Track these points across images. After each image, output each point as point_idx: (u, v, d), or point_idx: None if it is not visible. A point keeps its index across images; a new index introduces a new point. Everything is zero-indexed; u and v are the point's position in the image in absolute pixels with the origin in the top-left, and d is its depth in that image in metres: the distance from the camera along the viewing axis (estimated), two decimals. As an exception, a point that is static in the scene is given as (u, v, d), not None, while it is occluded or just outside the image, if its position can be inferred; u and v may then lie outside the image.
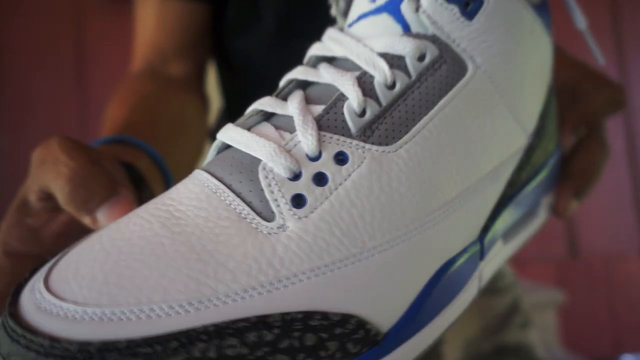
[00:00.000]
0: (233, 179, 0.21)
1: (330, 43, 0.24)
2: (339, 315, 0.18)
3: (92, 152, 0.26)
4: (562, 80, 0.31)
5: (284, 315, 0.18)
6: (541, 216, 0.31)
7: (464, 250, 0.23)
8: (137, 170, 0.29)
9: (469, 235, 0.23)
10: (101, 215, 0.24)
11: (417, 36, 0.23)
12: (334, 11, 0.27)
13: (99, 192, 0.24)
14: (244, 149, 0.21)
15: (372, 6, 0.24)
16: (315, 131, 0.21)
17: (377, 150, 0.22)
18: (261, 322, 0.17)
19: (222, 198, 0.20)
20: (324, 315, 0.18)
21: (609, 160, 0.34)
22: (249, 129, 0.22)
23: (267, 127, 0.22)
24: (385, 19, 0.24)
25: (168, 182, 0.33)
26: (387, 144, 0.22)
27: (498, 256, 0.26)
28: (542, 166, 0.28)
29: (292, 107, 0.22)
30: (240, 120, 0.23)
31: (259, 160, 0.21)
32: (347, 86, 0.22)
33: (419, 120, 0.23)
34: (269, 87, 0.31)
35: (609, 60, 1.65)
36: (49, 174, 0.24)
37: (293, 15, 0.48)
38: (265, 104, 0.23)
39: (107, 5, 1.47)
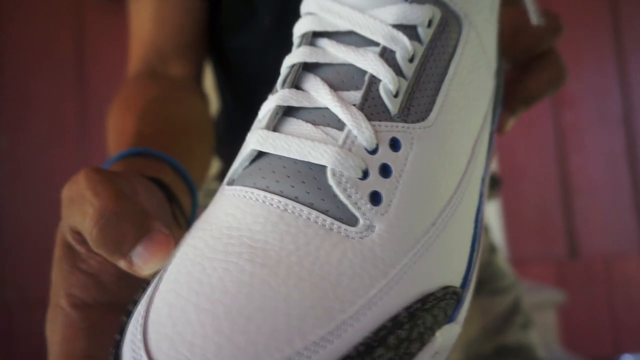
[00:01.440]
0: (297, 191, 0.19)
1: (326, 15, 0.23)
2: (441, 290, 0.19)
3: (120, 183, 0.23)
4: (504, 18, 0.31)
5: (407, 309, 0.18)
6: None
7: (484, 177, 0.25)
8: (166, 186, 0.28)
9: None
10: (137, 257, 0.21)
11: (423, 1, 0.22)
12: None
13: (131, 231, 0.21)
14: (298, 157, 0.20)
15: None
16: (368, 123, 0.20)
17: (419, 129, 0.22)
18: (395, 323, 0.18)
19: (297, 214, 0.19)
20: (433, 295, 0.19)
21: (564, 79, 0.34)
22: (274, 129, 0.21)
23: (300, 125, 0.21)
24: None
25: (193, 194, 0.32)
26: (423, 119, 0.22)
27: None
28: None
29: (324, 98, 0.21)
30: (263, 121, 0.21)
31: (321, 167, 0.20)
32: (377, 66, 0.21)
33: (440, 88, 0.23)
34: (266, 84, 0.30)
35: (608, 60, 1.65)
36: (77, 215, 0.22)
37: (289, 9, 0.47)
38: (287, 98, 0.21)
39: (107, 5, 1.47)
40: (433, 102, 0.22)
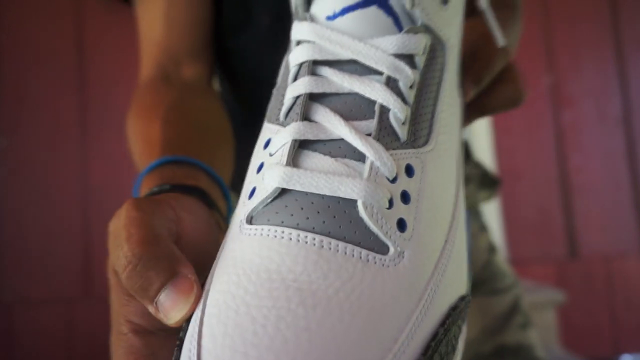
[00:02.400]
0: (329, 226, 0.20)
1: (326, 43, 0.23)
2: (460, 300, 0.21)
3: (157, 220, 0.23)
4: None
5: (442, 325, 0.20)
6: None
7: None
8: (205, 193, 0.28)
9: None
10: (161, 304, 0.21)
11: (416, 30, 0.23)
12: (294, 2, 0.25)
13: (156, 278, 0.21)
14: (328, 193, 0.20)
15: None
16: (387, 153, 0.21)
17: (425, 153, 0.23)
18: (436, 342, 0.19)
19: (334, 249, 0.19)
20: (456, 307, 0.21)
21: (521, 99, 0.35)
22: (294, 164, 0.21)
23: (319, 158, 0.21)
24: (375, 12, 0.23)
25: (227, 199, 0.32)
26: (426, 143, 0.23)
27: None
28: None
29: (339, 129, 0.21)
30: (280, 157, 0.21)
31: (350, 201, 0.20)
32: (386, 95, 0.22)
33: (435, 111, 0.24)
34: (263, 87, 0.30)
35: (608, 60, 1.65)
36: (114, 255, 0.23)
37: (286, 13, 0.47)
38: (302, 132, 0.21)
39: (107, 5, 1.47)
40: (431, 125, 0.23)
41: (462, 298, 0.21)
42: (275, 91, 0.25)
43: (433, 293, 0.20)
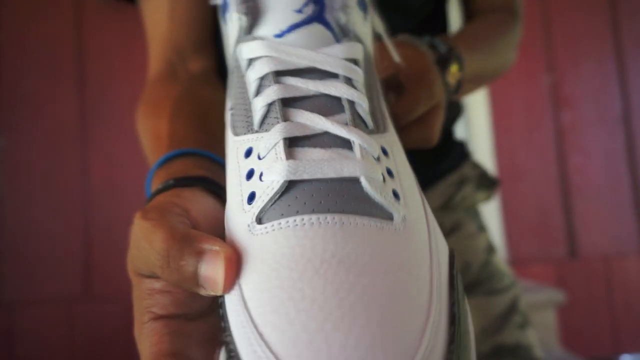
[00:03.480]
0: (341, 205, 0.22)
1: (283, 56, 0.26)
2: (450, 250, 0.25)
3: (169, 218, 0.25)
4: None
5: (451, 265, 0.23)
6: None
7: None
8: (215, 182, 0.30)
9: None
10: (203, 280, 0.23)
11: (353, 39, 0.27)
12: (235, 27, 0.28)
13: (188, 264, 0.23)
14: (334, 175, 0.22)
15: (302, 16, 0.27)
16: (368, 137, 0.24)
17: (387, 137, 0.26)
18: (454, 271, 0.23)
19: (353, 224, 0.22)
20: (453, 257, 0.24)
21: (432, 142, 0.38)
22: (289, 159, 0.23)
23: (311, 151, 0.23)
24: (317, 28, 0.27)
25: None
26: (386, 131, 0.26)
27: None
28: None
29: (320, 125, 0.24)
30: (275, 154, 0.23)
31: (352, 180, 0.23)
32: (349, 91, 0.25)
33: (381, 105, 0.28)
34: None
35: (607, 61, 1.65)
36: (142, 263, 0.25)
37: None
38: (289, 130, 0.24)
39: (107, 5, 1.47)
40: (383, 116, 0.27)
41: (451, 250, 0.25)
42: (231, 110, 0.28)
43: (436, 246, 0.23)
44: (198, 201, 0.28)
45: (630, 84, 1.65)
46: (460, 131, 0.75)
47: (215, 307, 0.24)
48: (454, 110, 0.64)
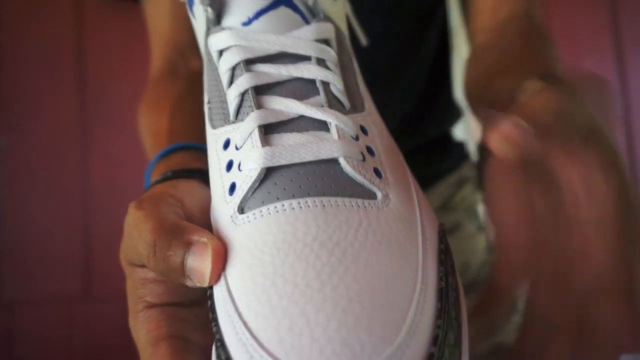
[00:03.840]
0: (322, 187, 0.22)
1: (252, 43, 0.25)
2: (440, 226, 0.24)
3: (162, 209, 0.25)
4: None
5: (441, 239, 0.23)
6: None
7: None
8: (207, 172, 0.30)
9: None
10: (189, 271, 0.23)
11: (323, 20, 0.27)
12: (202, 20, 0.28)
13: (175, 254, 0.23)
14: (311, 158, 0.22)
15: (267, 2, 0.26)
16: (345, 116, 0.24)
17: (366, 116, 0.26)
18: (444, 246, 0.23)
19: (334, 205, 0.21)
20: (443, 231, 0.24)
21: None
22: (265, 146, 0.23)
23: (288, 136, 0.23)
24: (285, 11, 0.26)
25: None
26: (363, 110, 0.26)
27: None
28: None
29: (295, 109, 0.24)
30: (252, 143, 0.23)
31: (330, 161, 0.22)
32: (322, 72, 0.25)
33: (357, 83, 0.27)
34: None
35: (607, 60, 1.65)
36: (133, 253, 0.25)
37: None
38: (263, 117, 0.23)
39: (107, 5, 1.47)
40: (361, 95, 0.27)
41: (441, 225, 0.24)
42: (208, 104, 0.28)
43: (424, 222, 0.23)
44: (194, 193, 0.28)
45: (630, 84, 1.65)
46: (459, 132, 0.75)
47: (206, 298, 0.24)
48: (454, 112, 0.64)
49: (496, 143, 0.22)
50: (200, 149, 0.34)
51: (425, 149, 0.63)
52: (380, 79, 0.58)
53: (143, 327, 0.25)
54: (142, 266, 0.25)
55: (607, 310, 0.23)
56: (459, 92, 0.66)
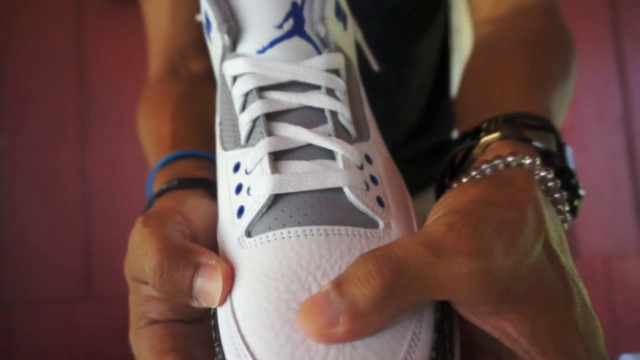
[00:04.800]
0: (326, 216, 0.23)
1: (266, 71, 0.26)
2: None
3: (168, 227, 0.25)
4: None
5: None
6: None
7: None
8: (212, 182, 0.30)
9: None
10: (198, 292, 0.23)
11: (334, 50, 0.28)
12: (219, 45, 0.29)
13: (183, 276, 0.23)
14: (317, 187, 0.23)
15: (281, 32, 0.27)
16: (351, 146, 0.25)
17: (371, 144, 0.27)
18: None
19: (337, 234, 0.22)
20: None
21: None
22: (274, 173, 0.24)
23: (295, 164, 0.24)
24: (298, 41, 0.27)
25: None
26: (369, 138, 0.27)
27: None
28: None
29: (304, 137, 0.25)
30: (261, 169, 0.24)
31: (336, 190, 0.23)
32: (331, 102, 0.26)
33: (364, 111, 0.28)
34: None
35: (608, 61, 1.65)
36: (138, 270, 0.25)
37: None
38: (274, 144, 0.24)
39: (107, 5, 1.47)
40: (367, 123, 0.28)
41: None
42: (220, 125, 0.29)
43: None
44: (200, 207, 0.28)
45: (630, 84, 1.65)
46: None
47: (208, 317, 0.24)
48: (454, 118, 0.64)
49: (301, 320, 0.20)
50: (204, 157, 0.35)
51: (426, 155, 0.63)
52: (385, 85, 0.57)
53: (147, 342, 0.25)
54: (147, 283, 0.25)
55: None
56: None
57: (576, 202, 0.27)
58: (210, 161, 0.34)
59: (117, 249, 1.43)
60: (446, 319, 0.22)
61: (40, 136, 1.44)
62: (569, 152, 0.29)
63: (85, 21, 1.48)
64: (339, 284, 0.19)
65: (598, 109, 1.65)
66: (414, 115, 0.63)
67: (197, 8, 0.48)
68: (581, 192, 0.27)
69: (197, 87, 0.46)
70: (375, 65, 0.36)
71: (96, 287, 1.40)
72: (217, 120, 0.30)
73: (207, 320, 0.25)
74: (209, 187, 0.30)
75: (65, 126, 1.45)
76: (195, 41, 0.48)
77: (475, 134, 0.29)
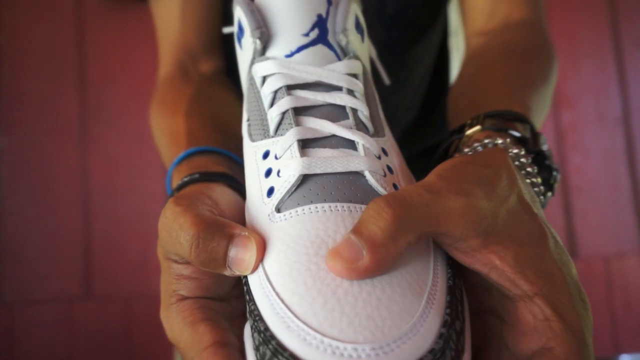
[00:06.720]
0: (349, 195, 0.25)
1: (294, 72, 0.29)
2: None
3: (199, 205, 0.27)
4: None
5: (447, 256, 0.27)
6: None
7: None
8: (234, 178, 0.32)
9: None
10: (233, 265, 0.25)
11: (353, 58, 0.31)
12: (250, 50, 0.32)
13: (219, 247, 0.25)
14: (342, 170, 0.26)
15: (308, 39, 0.30)
16: (370, 138, 0.28)
17: (386, 140, 0.29)
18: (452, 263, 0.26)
19: (360, 211, 0.25)
20: None
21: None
22: (303, 156, 0.26)
23: (322, 151, 0.27)
24: (322, 48, 0.31)
25: None
26: (384, 135, 0.30)
27: None
28: None
29: (329, 129, 0.27)
30: (291, 154, 0.27)
31: (357, 174, 0.26)
32: (351, 100, 0.29)
33: (379, 112, 0.31)
34: None
35: (607, 61, 1.66)
36: (174, 245, 0.26)
37: None
38: (302, 133, 0.27)
39: (108, 5, 1.47)
40: (381, 122, 0.31)
41: None
42: (248, 121, 0.32)
43: None
44: (225, 195, 0.30)
45: (629, 84, 1.65)
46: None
47: (239, 286, 0.27)
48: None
49: (330, 263, 0.22)
50: (219, 152, 0.36)
51: (422, 156, 0.63)
52: (384, 87, 0.58)
53: (178, 315, 0.27)
54: (179, 262, 0.27)
55: None
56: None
57: (552, 181, 0.32)
58: (226, 157, 0.36)
59: (117, 249, 1.44)
60: (457, 288, 0.24)
61: (40, 136, 1.44)
62: (543, 139, 0.33)
63: (86, 21, 1.49)
64: (356, 228, 0.22)
65: (597, 109, 1.65)
66: (410, 116, 0.63)
67: (206, 9, 0.49)
68: (555, 173, 0.32)
69: (207, 88, 0.47)
70: (386, 80, 0.38)
71: (96, 287, 1.41)
72: (245, 117, 0.32)
73: (234, 298, 0.29)
74: (229, 180, 0.31)
75: (65, 126, 1.45)
76: (204, 42, 0.49)
77: (460, 130, 0.34)
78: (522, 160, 0.30)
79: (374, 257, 0.22)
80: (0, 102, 1.45)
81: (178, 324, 0.26)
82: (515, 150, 0.30)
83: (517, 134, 0.32)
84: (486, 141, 0.31)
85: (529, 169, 0.30)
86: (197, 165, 0.34)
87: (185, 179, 0.32)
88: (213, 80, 0.49)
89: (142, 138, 1.41)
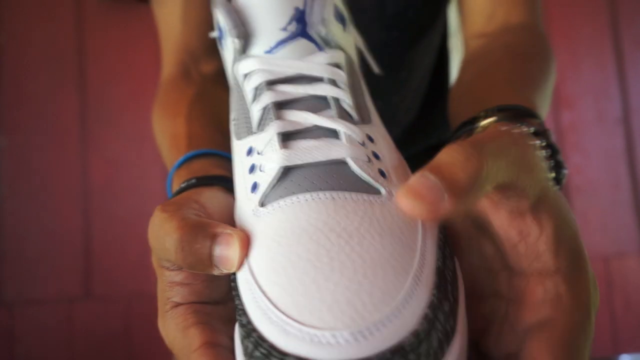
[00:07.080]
0: (332, 183, 0.25)
1: (274, 67, 0.29)
2: None
3: (185, 210, 0.27)
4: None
5: (440, 231, 0.25)
6: None
7: None
8: (230, 180, 0.32)
9: None
10: (219, 263, 0.25)
11: (334, 48, 0.31)
12: (231, 50, 0.32)
13: (202, 247, 0.25)
14: (323, 159, 0.25)
15: (286, 34, 0.30)
16: (353, 125, 0.27)
17: (372, 127, 0.29)
18: (442, 235, 0.25)
19: (343, 198, 0.25)
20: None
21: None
22: (283, 149, 0.26)
23: (303, 142, 0.26)
24: (302, 41, 0.30)
25: None
26: (370, 122, 0.29)
27: None
28: None
29: (310, 120, 0.27)
30: (272, 147, 0.26)
31: (340, 162, 0.26)
32: (333, 90, 0.29)
33: (365, 100, 0.31)
34: None
35: (607, 61, 1.66)
36: (162, 251, 0.26)
37: None
38: (282, 126, 0.27)
39: (108, 6, 1.47)
40: (367, 109, 0.30)
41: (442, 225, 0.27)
42: (234, 121, 0.31)
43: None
44: (216, 199, 0.30)
45: (629, 85, 1.65)
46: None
47: (230, 289, 0.27)
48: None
49: (404, 200, 0.21)
50: (219, 155, 0.36)
51: (422, 156, 0.63)
52: (383, 88, 0.58)
53: (172, 322, 0.27)
54: (171, 269, 0.27)
55: (545, 351, 0.24)
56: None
57: (560, 176, 0.32)
58: (226, 159, 0.36)
59: (117, 249, 1.43)
60: (448, 270, 0.24)
61: (40, 136, 1.44)
62: (552, 135, 0.32)
63: (86, 21, 1.49)
64: (438, 170, 0.21)
65: (597, 109, 1.65)
66: (410, 116, 0.63)
67: (207, 10, 0.49)
68: (564, 170, 0.32)
69: (209, 88, 0.47)
70: (376, 69, 0.38)
71: (96, 287, 1.41)
72: (231, 117, 0.32)
73: (228, 301, 0.28)
74: (226, 183, 0.32)
75: (65, 126, 1.45)
76: (206, 43, 0.49)
77: (472, 121, 0.32)
78: (541, 152, 0.29)
79: (457, 203, 0.20)
80: (0, 102, 1.45)
81: (172, 330, 0.27)
82: (535, 142, 0.29)
83: (532, 128, 0.30)
84: (504, 129, 0.29)
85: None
86: (196, 169, 0.34)
87: (182, 186, 0.32)
88: (215, 80, 0.49)
89: (143, 138, 1.41)
